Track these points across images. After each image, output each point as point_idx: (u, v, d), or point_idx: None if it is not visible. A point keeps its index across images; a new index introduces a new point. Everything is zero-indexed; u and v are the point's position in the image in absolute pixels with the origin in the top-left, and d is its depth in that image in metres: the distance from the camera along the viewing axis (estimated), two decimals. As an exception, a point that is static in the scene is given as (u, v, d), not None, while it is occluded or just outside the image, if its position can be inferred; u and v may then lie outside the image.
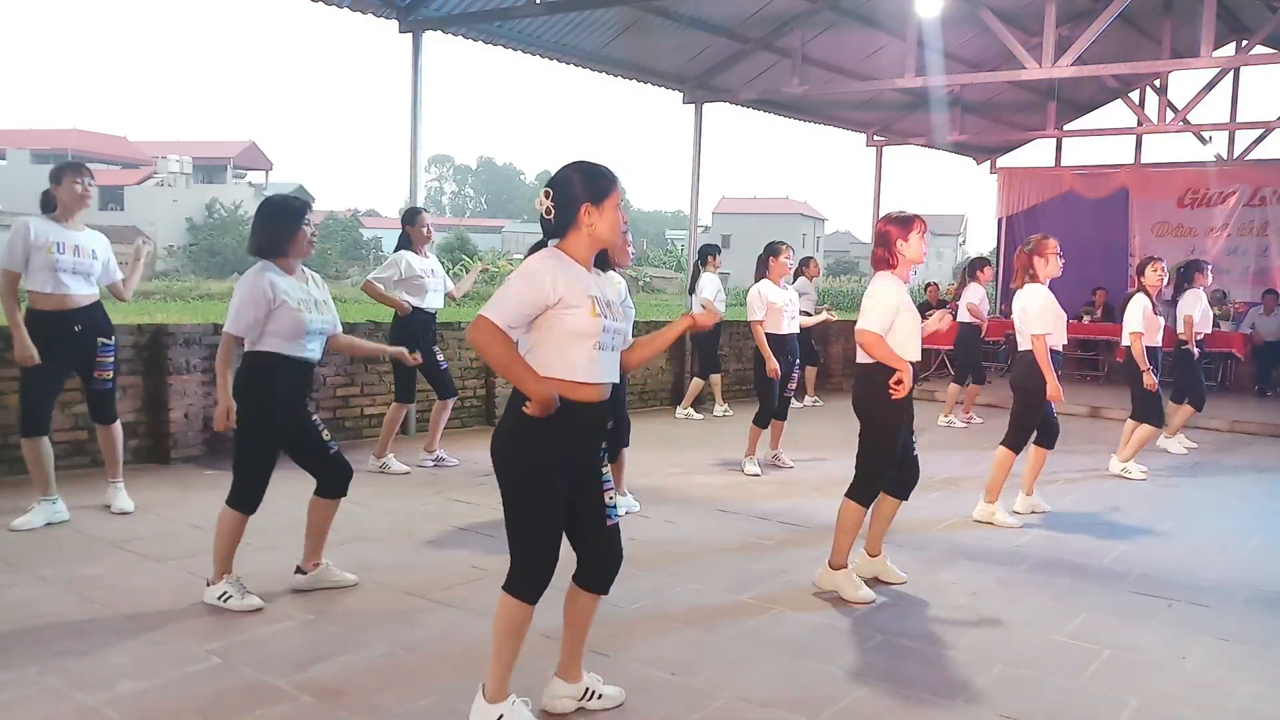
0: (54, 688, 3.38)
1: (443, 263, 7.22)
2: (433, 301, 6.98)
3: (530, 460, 3.03)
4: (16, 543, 4.99)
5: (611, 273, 5.53)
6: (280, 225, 4.23)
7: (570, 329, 2.99)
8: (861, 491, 4.69)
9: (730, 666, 3.78)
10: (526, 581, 3.07)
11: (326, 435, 4.40)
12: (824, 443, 9.01)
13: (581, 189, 3.05)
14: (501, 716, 3.11)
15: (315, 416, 4.43)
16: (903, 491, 4.86)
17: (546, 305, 2.96)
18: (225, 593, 4.20)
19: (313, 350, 4.30)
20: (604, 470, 3.23)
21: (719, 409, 10.66)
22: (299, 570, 4.49)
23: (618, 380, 3.17)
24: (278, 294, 4.14)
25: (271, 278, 4.17)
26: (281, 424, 4.25)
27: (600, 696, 3.36)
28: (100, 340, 5.43)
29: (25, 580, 4.45)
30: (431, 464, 7.22)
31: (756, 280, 7.46)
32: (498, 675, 3.13)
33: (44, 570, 4.58)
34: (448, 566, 4.91)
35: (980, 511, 6.26)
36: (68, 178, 5.25)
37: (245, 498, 4.26)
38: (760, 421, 7.47)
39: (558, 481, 3.05)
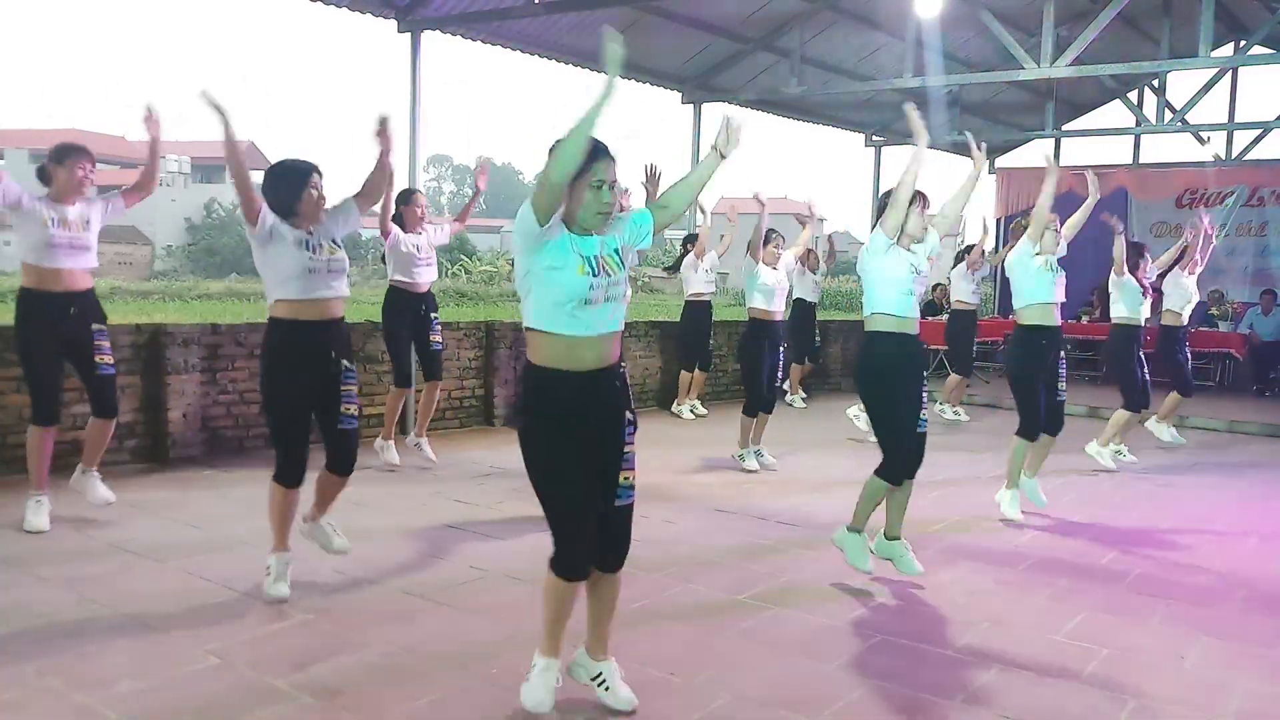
0: (53, 687, 3.38)
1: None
2: (424, 277, 7.09)
3: (536, 431, 3.07)
4: (16, 543, 4.99)
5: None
6: (286, 187, 4.28)
7: (559, 286, 3.00)
8: (885, 469, 4.81)
9: (730, 666, 3.78)
10: (561, 558, 3.13)
11: (350, 410, 4.40)
12: (822, 443, 9.01)
13: None
14: (533, 667, 3.25)
15: (353, 388, 4.43)
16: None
17: (544, 234, 2.97)
18: (269, 567, 4.32)
19: (323, 290, 4.29)
20: (627, 449, 3.21)
21: (686, 406, 10.38)
22: (304, 518, 4.56)
23: (618, 329, 3.15)
24: (276, 228, 4.21)
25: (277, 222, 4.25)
26: (303, 387, 4.27)
27: (607, 689, 3.35)
28: (94, 326, 5.31)
29: (24, 580, 4.44)
30: (413, 447, 7.31)
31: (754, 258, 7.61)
32: (545, 633, 3.25)
33: (43, 570, 4.57)
34: (447, 566, 4.91)
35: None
36: (70, 160, 5.17)
37: (283, 469, 4.31)
38: (749, 411, 7.55)
39: (569, 450, 3.05)
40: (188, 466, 6.91)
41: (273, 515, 4.36)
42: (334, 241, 4.38)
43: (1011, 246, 6.48)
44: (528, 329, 3.09)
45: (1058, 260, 6.31)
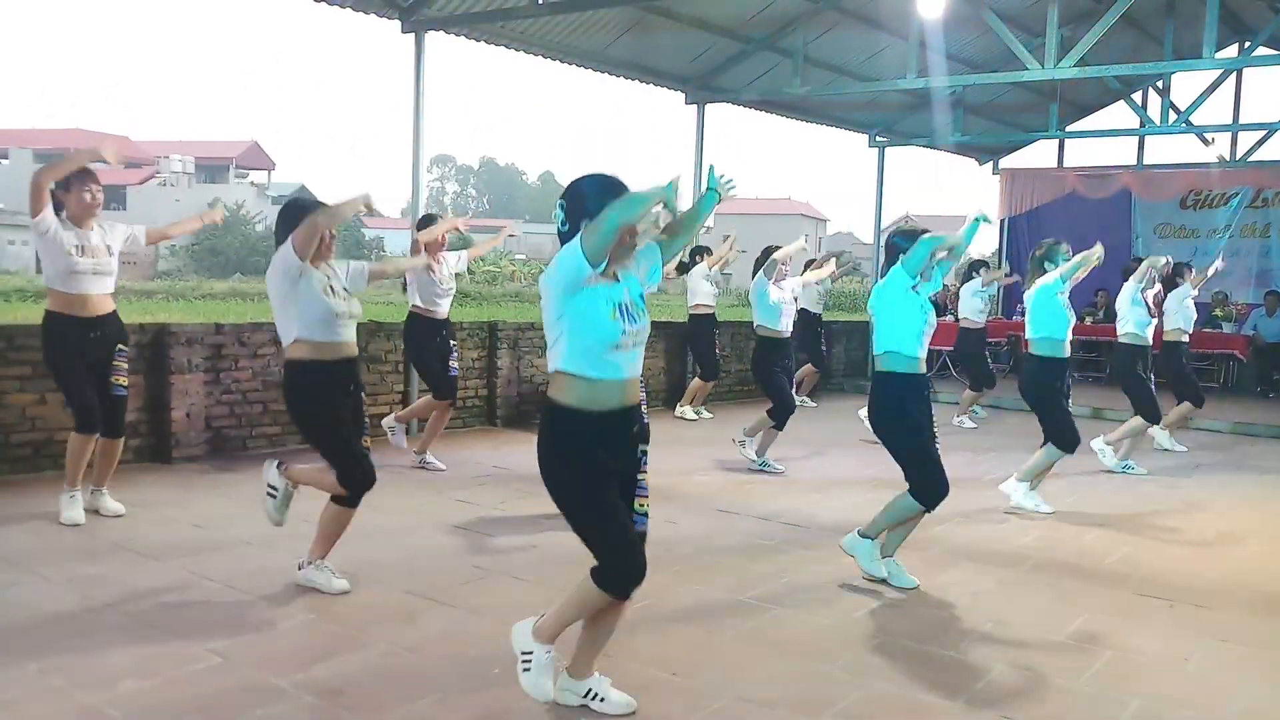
0: (55, 686, 3.39)
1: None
2: (445, 305, 7.11)
3: (566, 471, 3.12)
4: (18, 542, 5.00)
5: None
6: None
7: (592, 331, 3.07)
8: (922, 495, 4.76)
9: (730, 666, 3.78)
10: (616, 578, 3.12)
11: (367, 441, 4.50)
12: (824, 443, 9.01)
13: (585, 203, 3.10)
14: (530, 654, 3.27)
15: (365, 419, 4.53)
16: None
17: (585, 279, 3.04)
18: (315, 580, 4.43)
19: (344, 334, 4.37)
20: (641, 477, 3.26)
21: (691, 410, 10.41)
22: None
23: (640, 374, 3.23)
24: (305, 269, 4.26)
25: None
26: (336, 409, 4.34)
27: (603, 700, 3.33)
28: (118, 345, 5.41)
29: (27, 579, 4.45)
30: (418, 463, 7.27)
31: (754, 277, 7.67)
32: (555, 620, 3.27)
33: (45, 569, 4.58)
34: (448, 566, 4.91)
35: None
36: (75, 187, 5.22)
37: (349, 477, 4.35)
38: (779, 421, 7.49)
39: (602, 478, 3.11)
40: (191, 466, 6.92)
41: (332, 528, 4.46)
42: (347, 290, 4.48)
43: (1033, 276, 6.61)
44: (556, 371, 3.14)
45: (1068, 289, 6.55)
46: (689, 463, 7.84)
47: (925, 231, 4.89)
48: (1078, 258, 6.38)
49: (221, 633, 3.91)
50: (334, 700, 3.36)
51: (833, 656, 3.93)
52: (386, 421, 7.26)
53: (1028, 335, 6.58)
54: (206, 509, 5.80)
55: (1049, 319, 6.42)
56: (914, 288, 4.78)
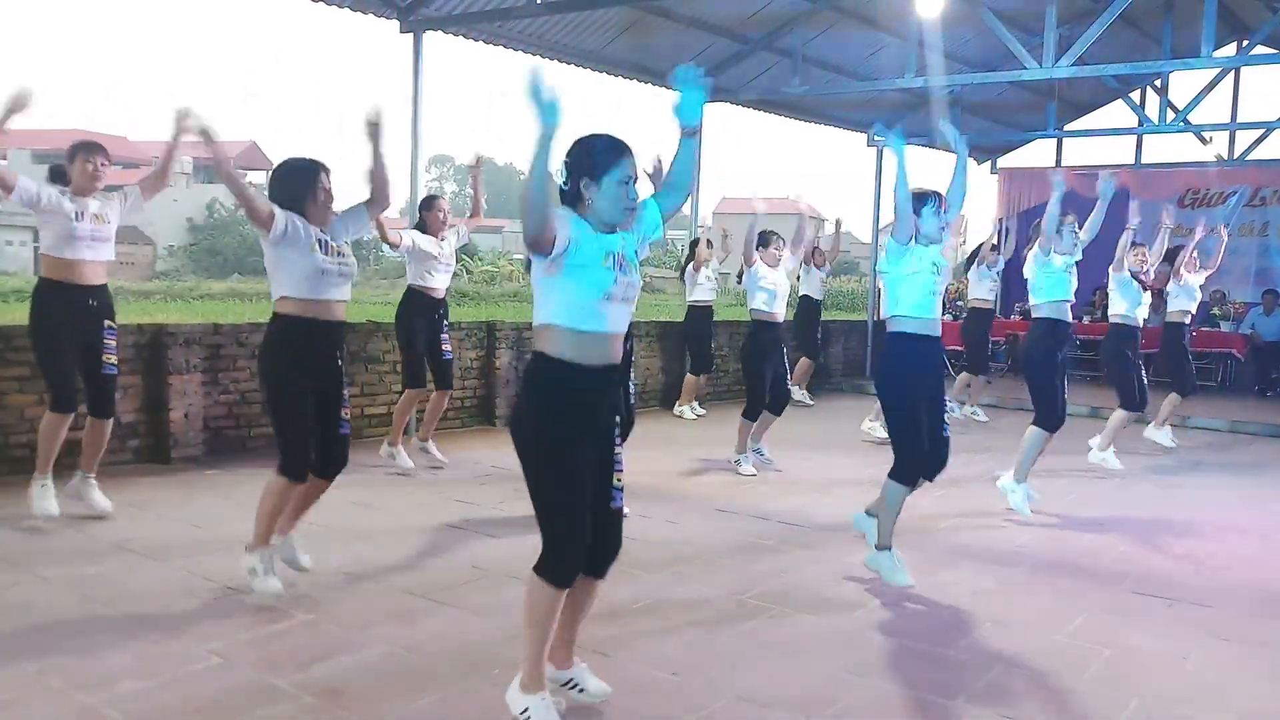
0: (54, 687, 3.38)
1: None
2: (442, 282, 7.12)
3: (544, 425, 3.01)
4: (18, 542, 4.99)
5: None
6: (294, 185, 4.27)
7: (584, 281, 2.98)
8: (897, 470, 4.77)
9: (730, 666, 3.78)
10: (554, 563, 3.02)
11: (347, 414, 4.42)
12: (823, 443, 9.01)
13: (583, 160, 3.04)
14: (527, 710, 3.10)
15: (346, 393, 4.44)
16: (926, 472, 4.90)
17: (565, 237, 2.94)
18: (254, 567, 4.25)
19: (333, 293, 4.28)
20: (617, 451, 3.19)
21: (689, 410, 10.41)
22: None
23: (625, 330, 3.14)
24: (293, 227, 4.18)
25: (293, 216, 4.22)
26: (308, 384, 4.25)
27: (582, 690, 3.31)
28: (106, 323, 5.37)
29: (26, 580, 4.45)
30: (420, 450, 7.27)
31: (747, 264, 7.65)
32: (529, 662, 3.11)
33: (45, 570, 4.58)
34: (448, 566, 4.91)
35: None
36: (80, 156, 5.22)
37: (290, 463, 4.24)
38: (750, 415, 7.49)
39: (576, 448, 3.02)
40: (189, 466, 6.91)
41: (265, 510, 4.26)
42: (344, 245, 4.40)
43: (1030, 247, 6.64)
44: (542, 325, 3.05)
45: (1075, 263, 6.53)
46: (687, 463, 7.83)
47: (934, 193, 4.83)
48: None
49: (220, 633, 3.90)
50: (333, 700, 3.36)
51: (834, 656, 3.93)
52: (383, 451, 7.16)
53: (1031, 302, 6.63)
54: (205, 509, 5.79)
55: (1050, 283, 6.44)
56: (911, 240, 4.72)
